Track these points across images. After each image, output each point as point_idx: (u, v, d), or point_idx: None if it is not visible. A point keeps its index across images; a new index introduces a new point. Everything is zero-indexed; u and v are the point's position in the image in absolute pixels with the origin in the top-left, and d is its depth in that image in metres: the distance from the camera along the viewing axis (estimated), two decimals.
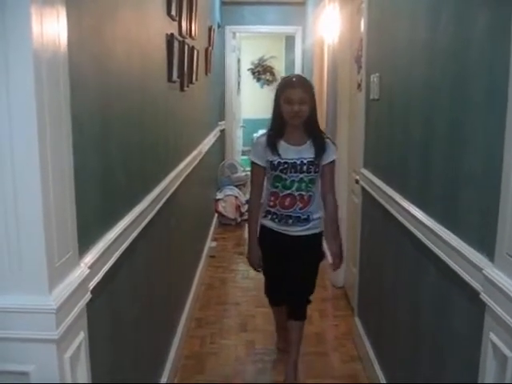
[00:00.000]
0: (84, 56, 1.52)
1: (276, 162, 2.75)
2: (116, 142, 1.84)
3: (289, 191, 2.77)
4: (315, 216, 2.84)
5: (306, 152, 2.75)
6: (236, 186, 6.93)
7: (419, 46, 2.14)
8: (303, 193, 2.76)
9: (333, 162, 2.83)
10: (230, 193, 6.50)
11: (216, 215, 6.31)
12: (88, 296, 1.44)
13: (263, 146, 2.78)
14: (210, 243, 5.34)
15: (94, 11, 1.61)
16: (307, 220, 2.81)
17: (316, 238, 2.91)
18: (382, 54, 2.81)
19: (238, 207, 6.34)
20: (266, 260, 2.97)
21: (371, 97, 2.99)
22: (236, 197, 6.46)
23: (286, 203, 2.78)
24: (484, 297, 1.47)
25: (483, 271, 1.48)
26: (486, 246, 1.50)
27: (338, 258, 3.00)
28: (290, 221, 2.81)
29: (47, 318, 1.22)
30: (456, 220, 1.75)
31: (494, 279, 1.41)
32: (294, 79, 2.83)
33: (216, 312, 3.97)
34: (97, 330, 1.54)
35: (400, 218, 2.31)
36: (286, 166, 2.74)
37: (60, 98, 1.28)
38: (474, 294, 1.53)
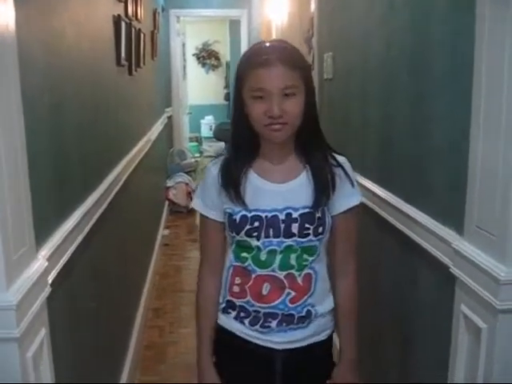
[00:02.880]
0: (33, 37, 1.43)
1: (238, 217, 1.43)
2: (69, 127, 1.75)
3: (267, 271, 1.45)
4: (321, 310, 1.51)
5: (299, 194, 1.44)
6: (186, 173, 6.84)
7: (375, 21, 2.12)
8: (295, 272, 1.45)
9: (355, 207, 1.50)
10: (180, 180, 6.41)
11: (167, 203, 6.21)
12: (48, 289, 1.35)
13: (217, 183, 1.47)
14: (162, 231, 5.25)
15: None
16: (307, 319, 1.49)
17: (324, 349, 1.58)
18: (335, 33, 2.78)
19: (188, 194, 6.25)
20: None
21: (325, 77, 2.96)
22: (186, 183, 6.37)
23: (264, 291, 1.46)
24: (454, 270, 1.47)
25: (452, 245, 1.48)
26: (455, 220, 1.50)
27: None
28: (275, 322, 1.48)
29: (7, 315, 1.14)
30: (422, 197, 1.74)
31: (465, 252, 1.42)
32: (267, 45, 1.40)
33: (173, 300, 3.91)
34: (58, 325, 1.46)
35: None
36: (257, 223, 1.42)
37: (9, 80, 1.19)
38: (444, 269, 1.53)
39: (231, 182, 1.45)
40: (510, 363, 1.33)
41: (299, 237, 1.43)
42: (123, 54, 2.87)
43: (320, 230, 1.44)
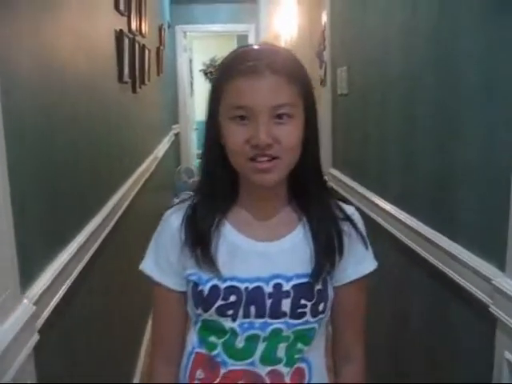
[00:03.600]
0: (21, 53, 1.29)
1: (207, 288, 1.03)
2: (61, 152, 1.59)
3: (242, 365, 1.05)
4: None
5: (292, 257, 1.06)
6: (194, 191, 6.70)
7: (395, 31, 1.97)
8: (282, 368, 1.06)
9: (366, 276, 1.12)
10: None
11: None
12: (35, 338, 1.20)
13: (178, 240, 1.07)
14: None
15: (34, 3, 1.39)
16: None
17: None
18: (350, 45, 2.63)
19: None
20: None
21: (339, 92, 2.81)
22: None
23: None
24: (494, 309, 1.30)
25: (493, 281, 1.30)
26: (495, 254, 1.33)
27: None
28: None
29: None
30: (455, 226, 1.57)
31: (507, 290, 1.25)
32: (254, 49, 1.04)
33: None
34: (47, 376, 1.30)
35: (381, 222, 2.12)
36: (233, 297, 1.03)
37: None
38: (481, 308, 1.36)
39: (198, 239, 1.04)
40: None
41: (291, 317, 1.03)
42: (126, 71, 2.74)
43: (321, 307, 1.04)
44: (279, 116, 0.95)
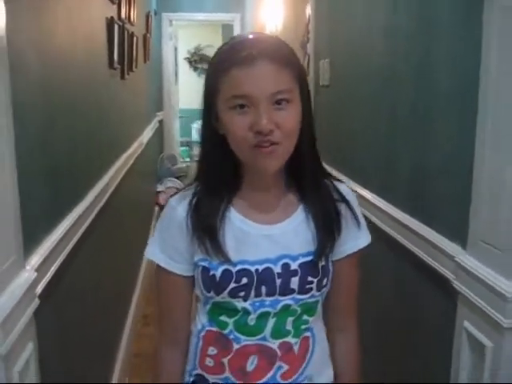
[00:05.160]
0: (24, 41, 1.38)
1: (219, 273, 1.07)
2: (61, 133, 1.69)
3: (255, 340, 1.11)
4: (321, 381, 1.21)
5: (296, 237, 1.11)
6: (177, 178, 6.79)
7: (377, 26, 2.07)
8: (291, 340, 1.13)
9: (361, 250, 1.20)
10: (171, 185, 6.36)
11: (157, 208, 6.14)
12: (36, 302, 1.30)
13: (185, 229, 1.10)
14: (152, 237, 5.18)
15: None
16: None
17: None
18: (334, 39, 2.73)
19: None
20: None
21: (321, 83, 2.92)
22: (177, 188, 6.31)
23: (249, 367, 1.12)
24: (456, 284, 1.43)
25: (455, 259, 1.43)
26: (458, 233, 1.46)
27: None
28: None
29: None
30: (425, 210, 1.69)
31: (468, 266, 1.37)
32: (248, 38, 1.06)
33: None
34: (46, 338, 1.40)
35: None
36: (245, 280, 1.08)
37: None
38: (446, 283, 1.49)
39: (206, 231, 1.07)
40: None
41: (299, 293, 1.10)
42: (116, 57, 2.81)
43: (325, 282, 1.12)
44: (278, 102, 0.98)
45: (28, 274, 1.27)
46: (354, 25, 2.38)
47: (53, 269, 1.47)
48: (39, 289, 1.34)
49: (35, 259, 1.35)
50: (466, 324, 1.40)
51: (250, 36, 1.07)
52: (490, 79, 1.28)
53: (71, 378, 1.76)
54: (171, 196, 1.16)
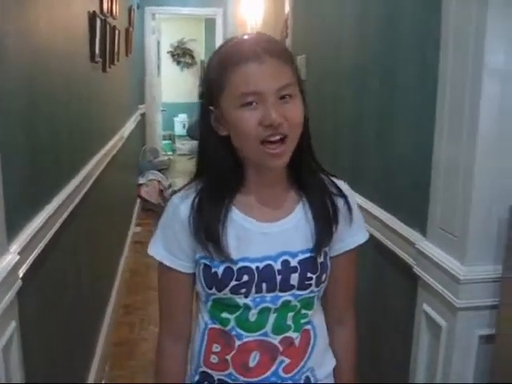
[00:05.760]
0: (8, 30, 1.44)
1: (220, 271, 1.09)
2: (43, 121, 1.76)
3: (256, 336, 1.13)
4: (323, 373, 1.22)
5: (296, 234, 1.13)
6: (159, 171, 6.83)
7: (348, 25, 2.17)
8: (292, 335, 1.15)
9: (359, 246, 1.22)
10: (152, 177, 6.39)
11: (139, 200, 6.19)
12: (19, 283, 1.37)
13: (185, 224, 1.11)
14: (134, 229, 5.23)
15: None
16: None
17: None
18: (309, 35, 2.82)
19: (161, 192, 6.25)
20: None
21: None
22: (159, 181, 6.37)
23: (252, 363, 1.14)
24: (417, 270, 1.52)
25: (416, 245, 1.53)
26: (419, 221, 1.55)
27: None
28: None
29: None
30: (388, 198, 1.79)
31: (427, 252, 1.47)
32: (247, 37, 1.09)
33: (143, 298, 3.89)
34: (27, 319, 1.47)
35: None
36: (246, 277, 1.09)
37: None
38: (408, 268, 1.58)
39: (208, 232, 1.09)
40: (468, 360, 1.39)
41: (299, 289, 1.12)
42: (97, 51, 2.86)
43: (323, 277, 1.15)
44: (283, 96, 1.00)
45: (11, 256, 1.34)
46: (326, 22, 2.48)
47: (35, 253, 1.54)
48: (22, 271, 1.41)
49: (18, 243, 1.41)
50: (425, 306, 1.50)
51: (247, 36, 1.09)
52: (447, 75, 1.38)
53: (52, 358, 1.83)
54: (173, 193, 1.17)
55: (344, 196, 1.16)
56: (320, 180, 1.15)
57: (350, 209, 1.16)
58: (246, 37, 1.08)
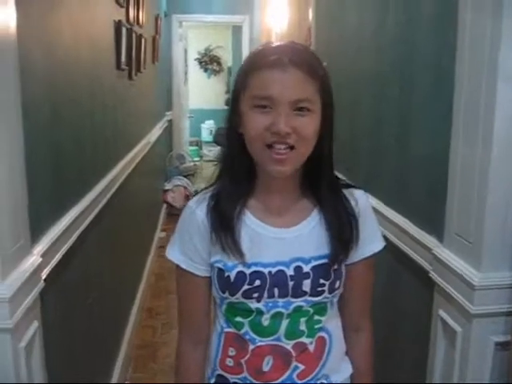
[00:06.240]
0: (33, 42, 1.49)
1: (233, 274, 1.11)
2: (67, 129, 1.82)
3: (269, 340, 1.14)
4: (339, 379, 1.22)
5: (309, 241, 1.14)
6: (185, 176, 6.90)
7: (367, 35, 2.19)
8: (305, 340, 1.15)
9: (376, 254, 1.21)
10: (178, 183, 6.46)
11: (164, 206, 6.26)
12: (41, 284, 1.41)
13: (203, 229, 1.14)
14: (159, 234, 5.30)
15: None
16: None
17: None
18: (330, 43, 2.84)
19: (187, 197, 6.31)
20: None
21: None
22: (185, 187, 6.43)
23: (266, 367, 1.15)
24: (433, 275, 1.53)
25: (432, 251, 1.53)
26: (436, 227, 1.56)
27: None
28: None
29: (1, 306, 1.20)
30: (406, 204, 1.80)
31: (444, 258, 1.47)
32: (277, 45, 1.09)
33: (166, 302, 3.94)
34: (50, 319, 1.52)
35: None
36: (258, 282, 1.11)
37: (9, 85, 1.26)
38: (424, 274, 1.58)
39: (224, 226, 1.11)
40: (484, 367, 1.38)
41: (311, 295, 1.12)
42: (123, 59, 2.93)
43: (337, 284, 1.15)
44: (300, 109, 1.02)
45: (34, 258, 1.38)
46: (346, 30, 2.50)
47: (58, 255, 1.59)
48: (45, 273, 1.45)
49: (41, 246, 1.46)
50: (441, 312, 1.50)
51: (280, 43, 1.10)
52: (463, 82, 1.38)
53: (74, 358, 1.88)
54: (191, 198, 1.22)
55: (360, 206, 1.16)
56: (338, 191, 1.16)
57: (367, 218, 1.17)
58: (276, 44, 1.09)
